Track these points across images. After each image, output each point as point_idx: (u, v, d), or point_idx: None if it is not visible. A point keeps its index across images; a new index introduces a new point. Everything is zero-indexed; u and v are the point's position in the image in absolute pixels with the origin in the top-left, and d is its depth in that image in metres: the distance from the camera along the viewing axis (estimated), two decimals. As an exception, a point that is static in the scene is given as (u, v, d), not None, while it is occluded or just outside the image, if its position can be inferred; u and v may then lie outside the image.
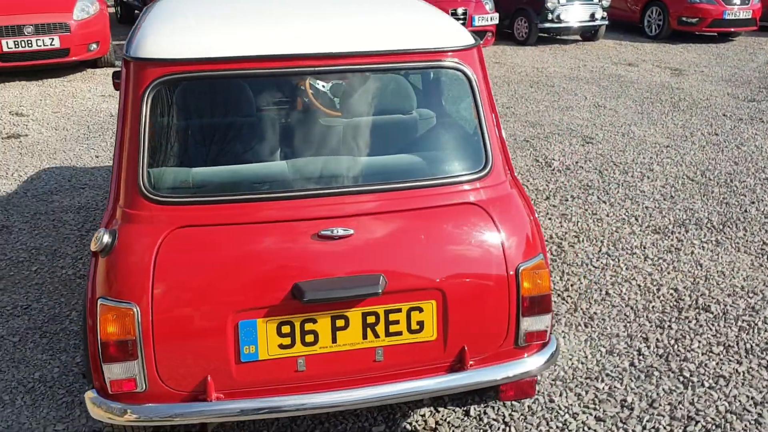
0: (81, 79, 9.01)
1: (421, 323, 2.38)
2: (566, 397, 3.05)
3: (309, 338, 2.31)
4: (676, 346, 3.42)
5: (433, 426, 2.86)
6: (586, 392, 3.08)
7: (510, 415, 2.92)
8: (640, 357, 3.33)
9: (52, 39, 8.57)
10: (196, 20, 2.70)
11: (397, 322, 2.36)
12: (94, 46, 9.05)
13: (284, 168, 2.53)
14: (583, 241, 4.55)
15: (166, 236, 2.27)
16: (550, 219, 4.88)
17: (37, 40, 8.50)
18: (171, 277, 2.23)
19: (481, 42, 2.77)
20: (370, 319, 2.34)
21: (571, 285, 3.99)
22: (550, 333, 2.57)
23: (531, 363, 2.51)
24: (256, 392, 2.32)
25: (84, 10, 8.91)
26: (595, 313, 3.71)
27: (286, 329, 2.29)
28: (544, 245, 2.60)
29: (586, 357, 3.34)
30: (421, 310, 2.37)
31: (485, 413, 2.93)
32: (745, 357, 3.33)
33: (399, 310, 2.35)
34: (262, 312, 2.26)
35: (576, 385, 3.13)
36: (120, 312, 2.20)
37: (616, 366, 3.27)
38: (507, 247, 2.44)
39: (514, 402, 2.99)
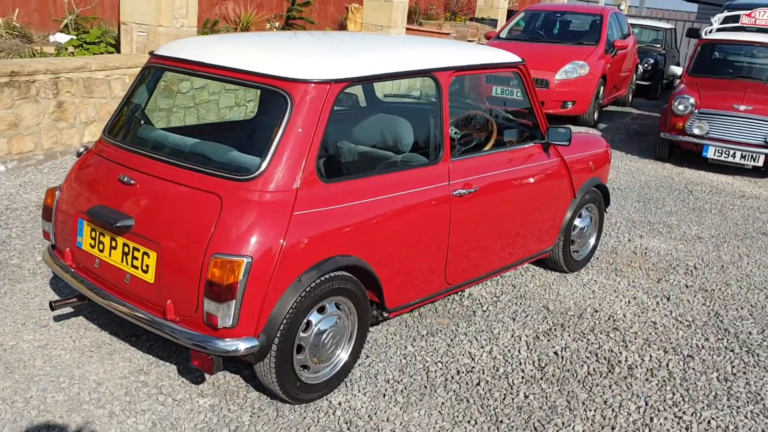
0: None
1: (148, 266, 3.06)
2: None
3: (101, 246, 3.28)
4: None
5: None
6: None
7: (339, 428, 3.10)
8: None
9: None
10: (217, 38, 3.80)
11: (138, 258, 3.11)
12: (570, 104, 10.03)
13: (149, 133, 3.50)
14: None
15: (87, 155, 3.57)
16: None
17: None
18: (71, 177, 3.53)
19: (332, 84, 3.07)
20: (126, 249, 3.15)
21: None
22: (246, 327, 2.86)
23: (203, 341, 2.87)
24: (83, 272, 3.40)
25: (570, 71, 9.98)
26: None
27: (93, 234, 3.31)
28: (271, 257, 2.86)
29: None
30: (149, 255, 3.05)
31: (321, 412, 3.21)
32: None
33: (139, 250, 3.09)
34: (87, 217, 3.33)
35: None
36: (53, 191, 3.59)
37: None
38: (214, 235, 2.89)
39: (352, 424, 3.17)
